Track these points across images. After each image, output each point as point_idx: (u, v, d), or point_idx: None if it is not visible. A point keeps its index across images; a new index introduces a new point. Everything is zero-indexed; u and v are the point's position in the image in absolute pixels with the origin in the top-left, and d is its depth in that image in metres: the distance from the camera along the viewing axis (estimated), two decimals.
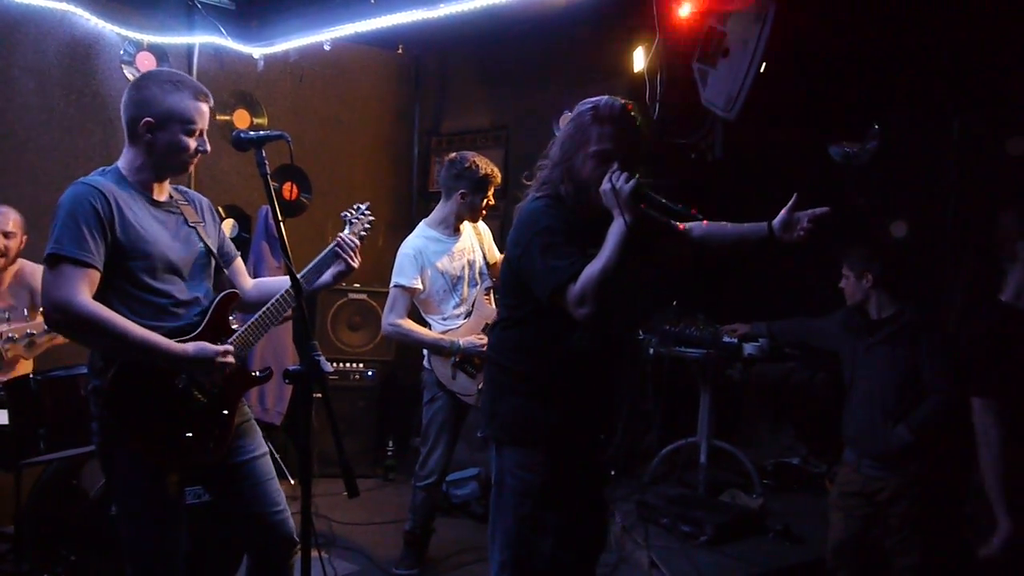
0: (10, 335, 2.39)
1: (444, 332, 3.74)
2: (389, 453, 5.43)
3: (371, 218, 2.73)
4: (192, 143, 2.38)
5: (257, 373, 2.59)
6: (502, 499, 2.42)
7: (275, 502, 2.53)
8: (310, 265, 2.57)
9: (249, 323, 2.49)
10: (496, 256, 3.93)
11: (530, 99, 5.73)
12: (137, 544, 2.40)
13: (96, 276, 2.21)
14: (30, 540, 3.29)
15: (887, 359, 3.22)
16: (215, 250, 2.54)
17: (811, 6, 3.78)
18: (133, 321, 2.24)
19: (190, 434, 2.38)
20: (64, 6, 4.45)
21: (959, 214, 4.45)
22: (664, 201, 2.21)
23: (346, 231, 2.64)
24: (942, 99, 4.40)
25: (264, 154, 2.22)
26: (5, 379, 3.41)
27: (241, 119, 5.30)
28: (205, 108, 2.40)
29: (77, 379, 3.08)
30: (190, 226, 2.48)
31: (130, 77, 4.76)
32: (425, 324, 3.83)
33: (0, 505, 3.64)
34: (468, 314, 3.77)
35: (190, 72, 5.00)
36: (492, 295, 3.82)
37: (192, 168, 2.46)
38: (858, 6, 3.87)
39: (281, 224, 2.18)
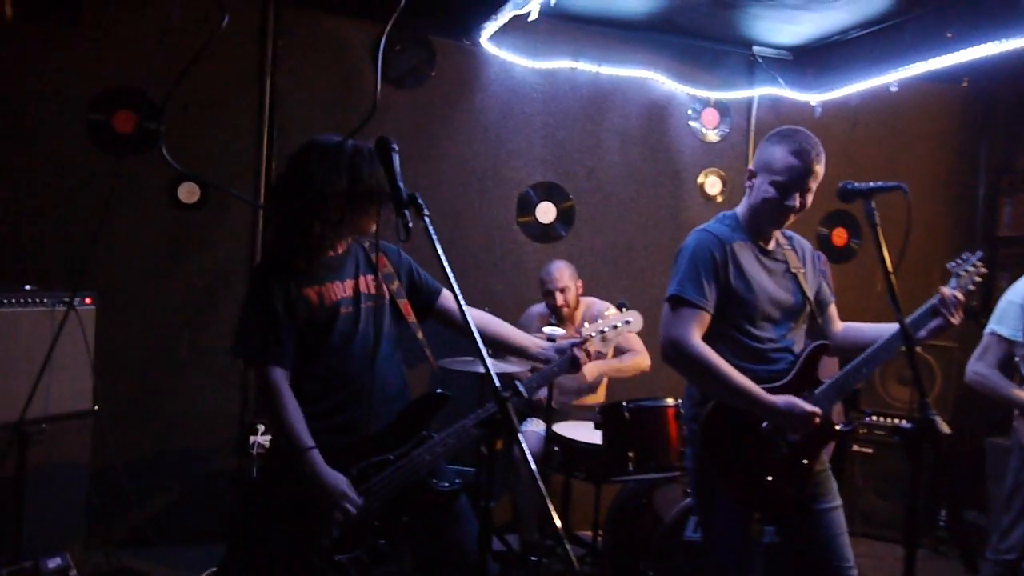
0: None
1: None
2: (941, 523, 4.94)
3: (983, 270, 2.50)
4: (774, 193, 2.39)
5: (840, 427, 2.52)
6: None
7: (845, 556, 2.49)
8: (911, 317, 2.40)
9: (841, 374, 2.47)
10: None
11: None
12: (718, 571, 2.54)
13: (707, 319, 2.41)
14: (608, 549, 3.70)
15: None
16: (812, 298, 2.58)
17: None
18: (730, 362, 2.38)
19: (770, 478, 2.44)
20: (645, 73, 5.01)
21: None
22: None
23: (951, 284, 2.47)
24: None
25: (873, 205, 2.20)
26: (593, 403, 3.93)
27: None
28: (798, 163, 2.35)
29: (663, 410, 3.40)
30: (792, 272, 2.55)
31: (696, 132, 5.16)
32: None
33: (579, 512, 4.16)
34: None
35: (748, 123, 5.24)
36: None
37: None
38: None
39: (891, 277, 2.12)
